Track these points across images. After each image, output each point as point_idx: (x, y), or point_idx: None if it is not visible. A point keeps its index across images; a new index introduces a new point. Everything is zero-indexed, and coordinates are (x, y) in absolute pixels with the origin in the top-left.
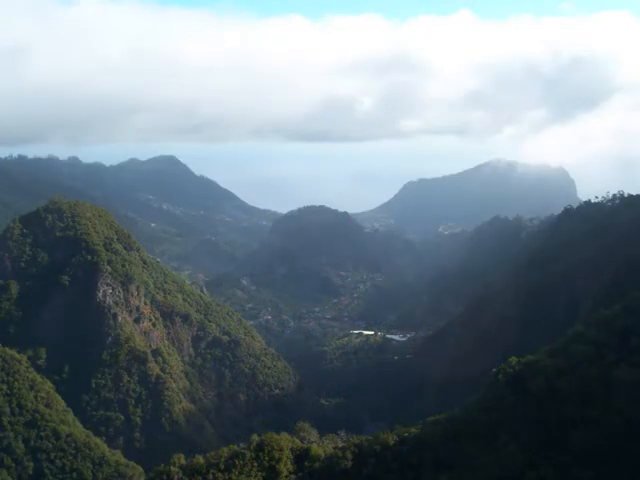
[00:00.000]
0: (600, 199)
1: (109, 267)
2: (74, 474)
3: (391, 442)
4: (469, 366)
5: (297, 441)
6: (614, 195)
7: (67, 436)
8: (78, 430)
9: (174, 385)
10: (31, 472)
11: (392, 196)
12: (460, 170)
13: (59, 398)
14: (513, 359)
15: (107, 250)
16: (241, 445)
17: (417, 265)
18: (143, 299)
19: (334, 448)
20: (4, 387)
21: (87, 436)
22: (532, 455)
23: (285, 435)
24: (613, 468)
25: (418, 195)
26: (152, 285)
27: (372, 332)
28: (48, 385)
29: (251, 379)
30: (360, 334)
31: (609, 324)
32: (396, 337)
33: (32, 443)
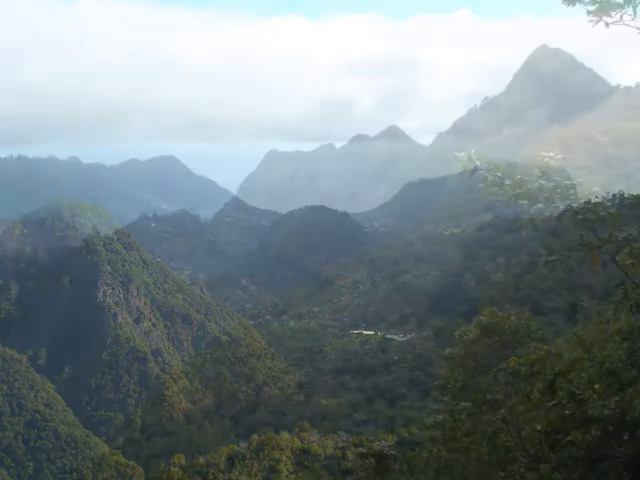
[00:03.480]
0: (600, 199)
1: (109, 267)
2: (74, 474)
3: (391, 442)
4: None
5: (297, 441)
6: (614, 195)
7: (67, 436)
8: (78, 430)
9: (174, 385)
10: (31, 472)
11: (392, 196)
12: (460, 170)
13: (59, 398)
14: (513, 359)
15: (107, 250)
16: (241, 445)
17: (417, 265)
18: (143, 299)
19: (334, 448)
20: (4, 387)
21: (87, 436)
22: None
23: (285, 435)
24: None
25: (418, 195)
26: (152, 285)
27: (372, 332)
28: (48, 385)
29: (251, 379)
30: (360, 334)
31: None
32: (396, 337)
33: (32, 443)
